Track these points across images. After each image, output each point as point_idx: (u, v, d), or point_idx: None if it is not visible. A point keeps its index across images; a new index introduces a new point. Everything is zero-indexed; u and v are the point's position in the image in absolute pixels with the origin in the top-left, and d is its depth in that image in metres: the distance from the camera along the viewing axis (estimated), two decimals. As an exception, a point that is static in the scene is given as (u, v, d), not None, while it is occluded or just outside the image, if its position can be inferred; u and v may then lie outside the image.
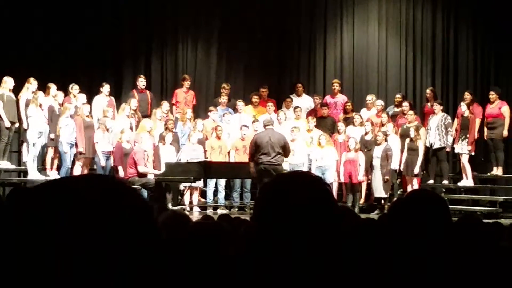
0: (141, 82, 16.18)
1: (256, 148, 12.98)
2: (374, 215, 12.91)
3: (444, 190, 14.97)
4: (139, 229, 1.11)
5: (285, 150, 13.05)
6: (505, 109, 14.78)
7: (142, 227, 1.12)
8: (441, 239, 2.44)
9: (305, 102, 16.67)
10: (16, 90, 14.36)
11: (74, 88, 15.10)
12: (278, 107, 16.36)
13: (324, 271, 1.70)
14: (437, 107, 14.99)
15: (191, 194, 14.96)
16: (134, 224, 1.11)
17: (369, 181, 14.90)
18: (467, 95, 15.18)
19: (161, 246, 1.15)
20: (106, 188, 1.12)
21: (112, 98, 15.81)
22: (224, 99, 16.38)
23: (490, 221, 6.41)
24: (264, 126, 13.52)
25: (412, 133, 14.45)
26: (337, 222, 1.75)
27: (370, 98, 16.30)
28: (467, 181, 14.77)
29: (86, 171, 14.42)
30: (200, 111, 16.85)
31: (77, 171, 14.24)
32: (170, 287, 3.01)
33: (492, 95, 14.92)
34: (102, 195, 1.10)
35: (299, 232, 1.68)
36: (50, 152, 14.39)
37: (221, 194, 15.14)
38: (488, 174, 15.26)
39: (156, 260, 1.14)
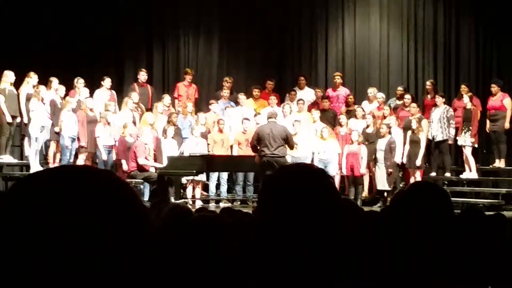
0: (143, 75, 16.17)
1: (257, 140, 13.01)
2: (376, 207, 12.91)
3: (446, 182, 14.98)
4: (129, 226, 1.10)
5: (288, 142, 13.07)
6: (507, 101, 14.76)
7: (132, 224, 1.11)
8: (443, 230, 2.44)
9: (307, 95, 16.67)
10: (18, 84, 14.35)
11: (80, 82, 15.08)
12: (281, 101, 16.38)
13: (326, 263, 1.70)
14: (439, 100, 14.98)
15: (193, 188, 14.96)
16: (124, 220, 1.10)
17: (371, 174, 14.89)
18: (465, 88, 15.22)
19: (151, 246, 1.14)
20: (100, 181, 1.11)
21: (113, 92, 15.80)
22: (226, 92, 16.38)
23: (492, 213, 6.39)
24: (268, 118, 13.51)
25: (414, 125, 14.42)
26: (340, 214, 1.75)
27: (371, 91, 16.29)
28: (470, 174, 14.77)
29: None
30: (202, 105, 16.84)
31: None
32: (172, 280, 3.01)
33: (494, 88, 14.90)
34: (98, 189, 1.10)
35: (302, 224, 1.68)
36: (53, 146, 14.39)
37: (224, 188, 15.14)
38: (491, 166, 15.26)
39: (146, 259, 1.12)
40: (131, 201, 1.12)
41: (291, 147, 13.28)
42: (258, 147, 13.05)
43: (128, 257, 1.08)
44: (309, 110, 15.95)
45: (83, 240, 1.04)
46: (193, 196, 14.85)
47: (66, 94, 14.83)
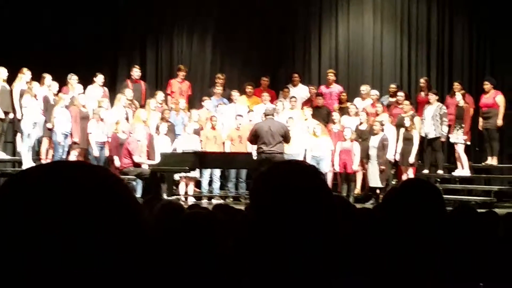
0: (136, 72, 16.16)
1: (255, 136, 13.02)
2: (369, 204, 12.94)
3: (439, 179, 15.00)
4: (123, 222, 1.10)
5: (286, 138, 13.12)
6: (500, 98, 14.79)
7: (126, 220, 1.10)
8: (435, 228, 2.45)
9: (301, 92, 16.69)
10: (11, 80, 14.32)
11: (73, 78, 15.07)
12: (276, 97, 16.39)
13: (319, 260, 1.70)
14: (433, 97, 15.01)
15: (186, 184, 14.95)
16: (120, 218, 1.09)
17: (364, 171, 14.91)
18: (457, 85, 15.25)
19: (146, 243, 1.13)
20: (94, 177, 1.11)
21: (105, 88, 15.78)
22: (218, 89, 16.38)
23: (484, 210, 6.40)
24: (265, 115, 13.51)
25: (407, 123, 14.45)
26: (332, 211, 1.75)
27: (364, 88, 16.31)
28: (463, 171, 14.80)
29: (80, 162, 14.36)
30: (195, 102, 16.84)
31: (72, 161, 14.19)
32: (164, 277, 3.01)
33: (487, 85, 14.93)
34: (90, 185, 1.09)
35: (294, 221, 1.68)
36: (45, 142, 14.37)
37: (216, 184, 15.15)
38: (483, 163, 15.29)
39: (141, 256, 1.12)
40: (125, 198, 1.12)
41: (288, 142, 13.35)
42: (256, 144, 13.10)
43: (123, 254, 1.08)
44: (303, 107, 15.97)
45: (76, 236, 1.04)
46: (186, 193, 14.85)
47: (59, 91, 14.80)
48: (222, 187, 15.44)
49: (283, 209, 1.69)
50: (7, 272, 1.02)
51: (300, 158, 14.19)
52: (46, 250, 1.02)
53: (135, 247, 1.10)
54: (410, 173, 14.41)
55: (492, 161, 14.97)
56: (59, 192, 1.06)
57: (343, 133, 14.88)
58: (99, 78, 15.55)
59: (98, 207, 1.07)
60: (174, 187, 14.39)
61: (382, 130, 14.59)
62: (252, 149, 14.22)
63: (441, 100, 15.63)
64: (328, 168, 14.61)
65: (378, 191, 14.47)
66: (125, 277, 1.08)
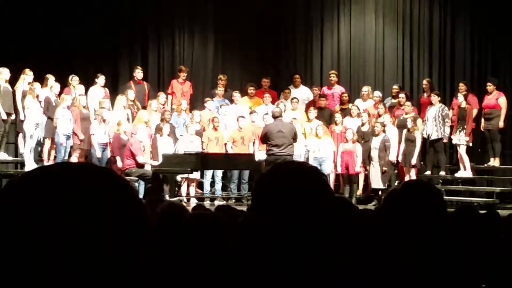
0: (138, 73, 16.15)
1: (266, 139, 13.00)
2: (371, 206, 12.93)
3: (441, 181, 14.99)
4: (130, 224, 1.10)
5: (294, 139, 13.17)
6: (502, 100, 14.78)
7: (133, 223, 1.10)
8: (435, 229, 2.45)
9: (302, 93, 16.67)
10: (13, 81, 14.32)
11: (74, 80, 15.07)
12: (278, 98, 16.38)
13: (321, 261, 1.70)
14: (435, 98, 14.99)
15: (188, 186, 14.95)
16: (125, 220, 1.09)
17: (366, 172, 14.89)
18: (462, 86, 15.22)
19: (150, 243, 1.13)
20: (101, 180, 1.11)
21: (106, 89, 15.77)
22: (220, 90, 16.37)
23: (486, 211, 6.39)
24: (274, 117, 13.47)
25: (409, 124, 14.44)
26: (334, 212, 1.75)
27: (365, 89, 16.30)
28: (465, 172, 14.78)
29: (82, 163, 14.35)
30: (196, 103, 16.83)
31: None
32: (169, 279, 3.01)
33: (490, 86, 14.92)
34: (98, 187, 1.09)
35: (296, 222, 1.68)
36: (47, 144, 14.37)
37: (218, 186, 15.13)
38: (485, 165, 15.27)
39: (145, 257, 1.12)
40: (131, 199, 1.12)
41: (295, 142, 13.35)
42: (266, 145, 13.09)
43: (129, 255, 1.08)
44: (307, 108, 15.93)
45: (83, 238, 1.04)
46: (188, 194, 14.84)
47: (61, 92, 14.80)
48: (224, 188, 15.43)
49: (285, 210, 1.69)
50: (12, 274, 1.03)
51: (302, 159, 14.19)
52: (52, 252, 1.03)
53: (141, 248, 1.10)
54: (412, 175, 14.39)
55: (494, 162, 14.95)
56: (66, 193, 1.06)
57: (345, 134, 14.87)
58: (101, 79, 15.54)
59: (104, 208, 1.07)
60: (176, 188, 14.38)
61: (384, 131, 14.58)
62: (255, 150, 14.24)
63: (444, 101, 15.62)
64: (330, 169, 14.60)
65: (380, 192, 14.45)
66: (131, 276, 1.08)
